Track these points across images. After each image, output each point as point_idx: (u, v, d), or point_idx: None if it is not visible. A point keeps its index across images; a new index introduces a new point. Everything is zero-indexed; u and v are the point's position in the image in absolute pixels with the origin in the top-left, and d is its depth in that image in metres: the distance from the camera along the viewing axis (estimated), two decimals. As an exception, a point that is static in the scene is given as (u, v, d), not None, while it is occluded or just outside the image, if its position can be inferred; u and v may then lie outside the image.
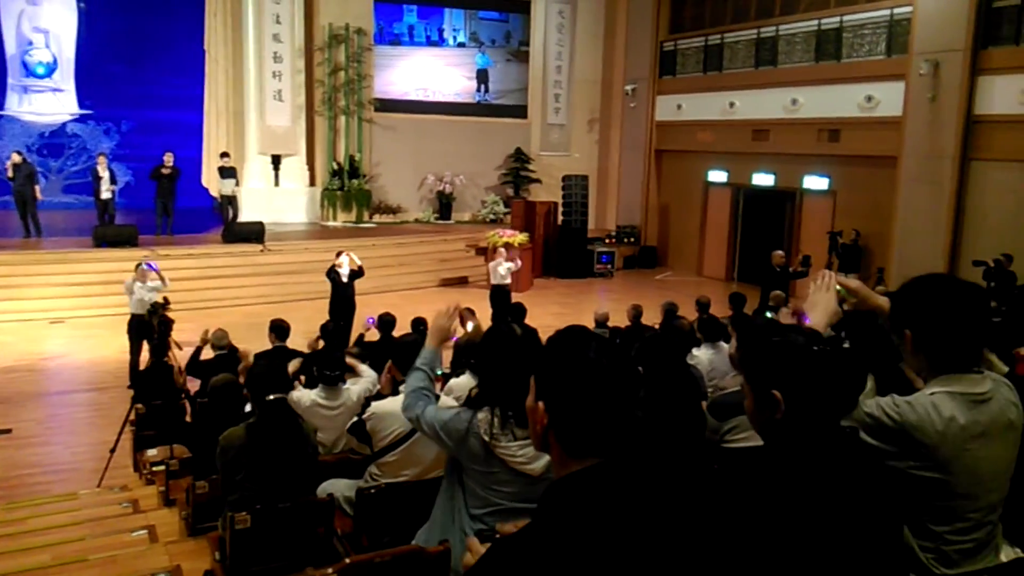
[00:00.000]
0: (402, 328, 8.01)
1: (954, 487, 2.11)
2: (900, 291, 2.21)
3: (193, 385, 7.27)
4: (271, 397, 3.93)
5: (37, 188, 14.56)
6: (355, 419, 4.42)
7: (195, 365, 7.27)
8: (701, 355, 6.36)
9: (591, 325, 8.28)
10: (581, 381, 1.49)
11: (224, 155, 16.33)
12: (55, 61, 18.65)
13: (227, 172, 15.82)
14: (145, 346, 8.58)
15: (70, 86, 18.84)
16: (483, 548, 1.60)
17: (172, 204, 15.09)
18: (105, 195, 14.69)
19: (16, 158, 14.44)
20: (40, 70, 18.53)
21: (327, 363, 5.21)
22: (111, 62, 18.76)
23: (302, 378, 6.12)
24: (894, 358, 2.28)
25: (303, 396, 5.12)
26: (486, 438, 2.81)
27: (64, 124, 18.86)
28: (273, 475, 3.83)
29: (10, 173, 14.25)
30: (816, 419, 1.72)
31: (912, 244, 13.60)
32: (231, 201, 15.84)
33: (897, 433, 2.11)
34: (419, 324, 8.26)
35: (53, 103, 18.71)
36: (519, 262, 13.01)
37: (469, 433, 2.85)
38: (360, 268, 10.98)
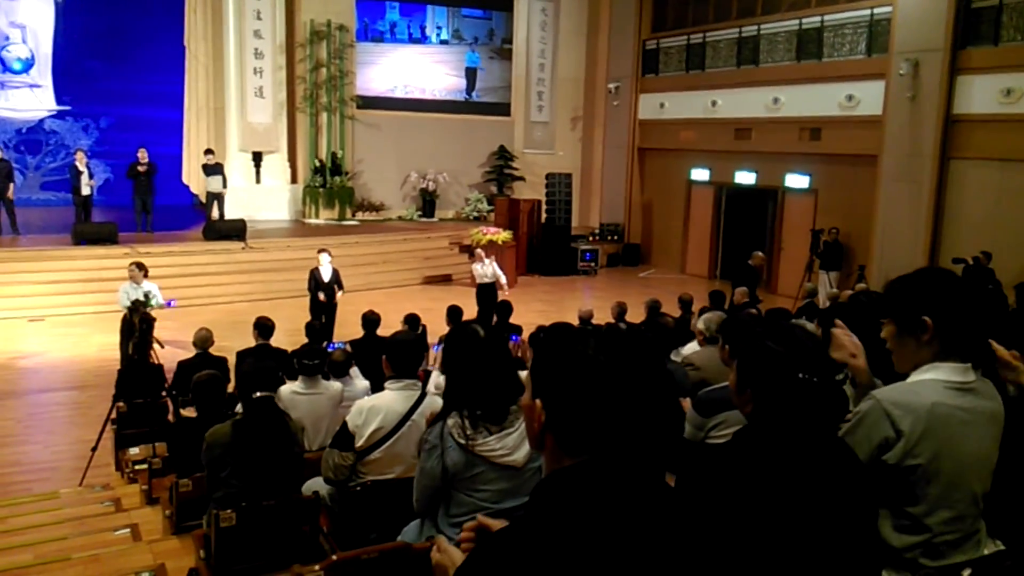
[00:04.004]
0: (387, 326, 7.97)
1: (939, 473, 2.14)
2: (913, 282, 2.23)
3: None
4: (257, 395, 3.93)
5: (11, 187, 14.26)
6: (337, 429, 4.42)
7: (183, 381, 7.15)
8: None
9: (575, 323, 8.29)
10: (581, 379, 1.49)
11: (208, 152, 16.07)
12: (32, 57, 18.42)
13: (212, 169, 15.56)
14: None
15: (48, 82, 18.61)
16: (449, 546, 1.61)
17: (151, 201, 14.93)
18: (85, 191, 14.47)
19: None
20: (17, 66, 18.30)
21: (306, 354, 5.46)
22: (89, 58, 18.57)
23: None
24: (873, 343, 2.32)
25: (282, 389, 5.16)
26: (462, 441, 2.80)
27: (42, 120, 18.64)
28: (259, 472, 3.82)
29: None
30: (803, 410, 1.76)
31: (892, 242, 13.72)
32: (217, 198, 15.51)
33: (884, 424, 2.14)
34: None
35: (30, 99, 18.48)
36: (490, 261, 12.59)
37: (444, 445, 2.84)
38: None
